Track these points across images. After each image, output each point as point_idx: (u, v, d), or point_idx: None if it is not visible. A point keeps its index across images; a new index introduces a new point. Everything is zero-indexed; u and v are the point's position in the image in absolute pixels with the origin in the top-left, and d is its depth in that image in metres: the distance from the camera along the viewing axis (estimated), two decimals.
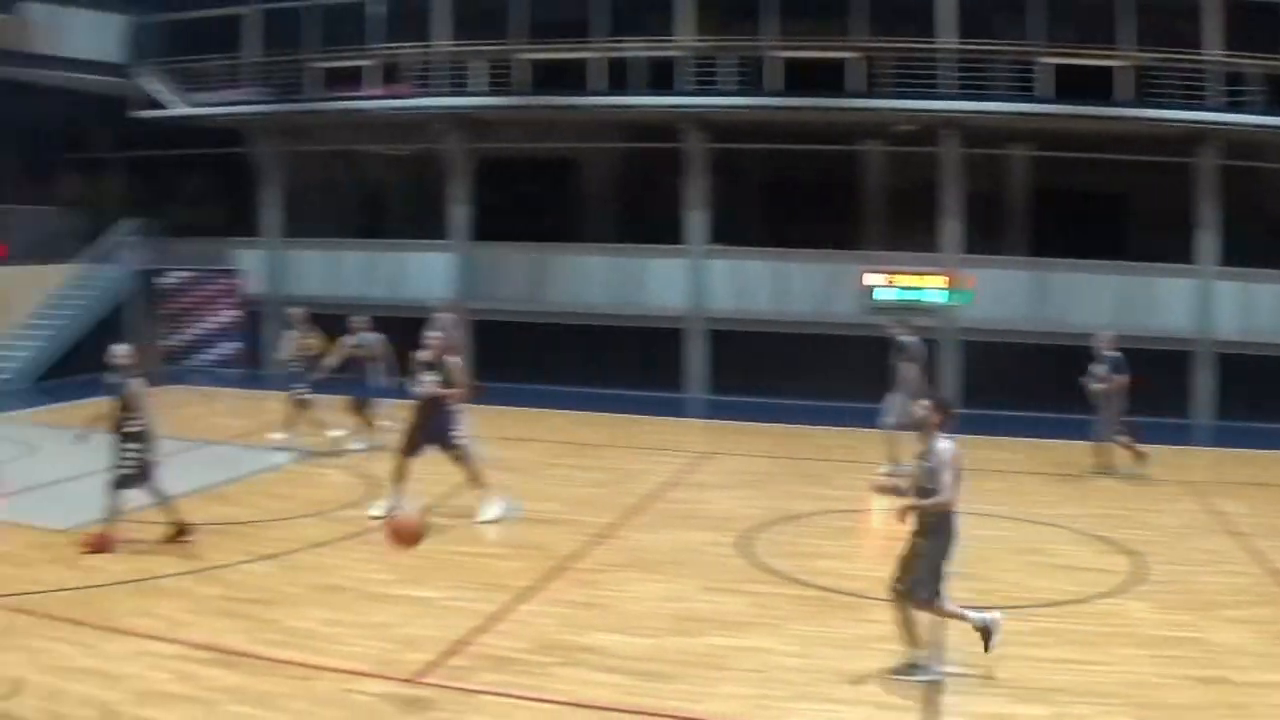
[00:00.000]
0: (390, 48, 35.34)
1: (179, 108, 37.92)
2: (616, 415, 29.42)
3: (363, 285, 36.86)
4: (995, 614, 12.31)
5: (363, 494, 20.22)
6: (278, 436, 25.70)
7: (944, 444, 12.02)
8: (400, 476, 19.03)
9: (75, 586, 15.26)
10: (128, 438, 17.05)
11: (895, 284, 32.23)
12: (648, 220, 36.40)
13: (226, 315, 39.17)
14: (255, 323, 38.86)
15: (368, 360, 24.56)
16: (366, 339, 24.78)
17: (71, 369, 36.23)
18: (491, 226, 36.41)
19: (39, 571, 15.97)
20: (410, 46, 35.14)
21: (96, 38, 38.33)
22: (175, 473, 22.21)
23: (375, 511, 18.79)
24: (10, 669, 12.17)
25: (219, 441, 25.73)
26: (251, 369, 38.14)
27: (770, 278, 33.59)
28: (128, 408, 17.05)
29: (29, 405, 30.97)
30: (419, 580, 15.41)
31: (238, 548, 17.33)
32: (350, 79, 35.84)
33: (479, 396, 26.98)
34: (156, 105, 38.13)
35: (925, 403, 12.52)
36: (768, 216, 36.49)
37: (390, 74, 35.36)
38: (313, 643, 13.07)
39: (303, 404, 25.61)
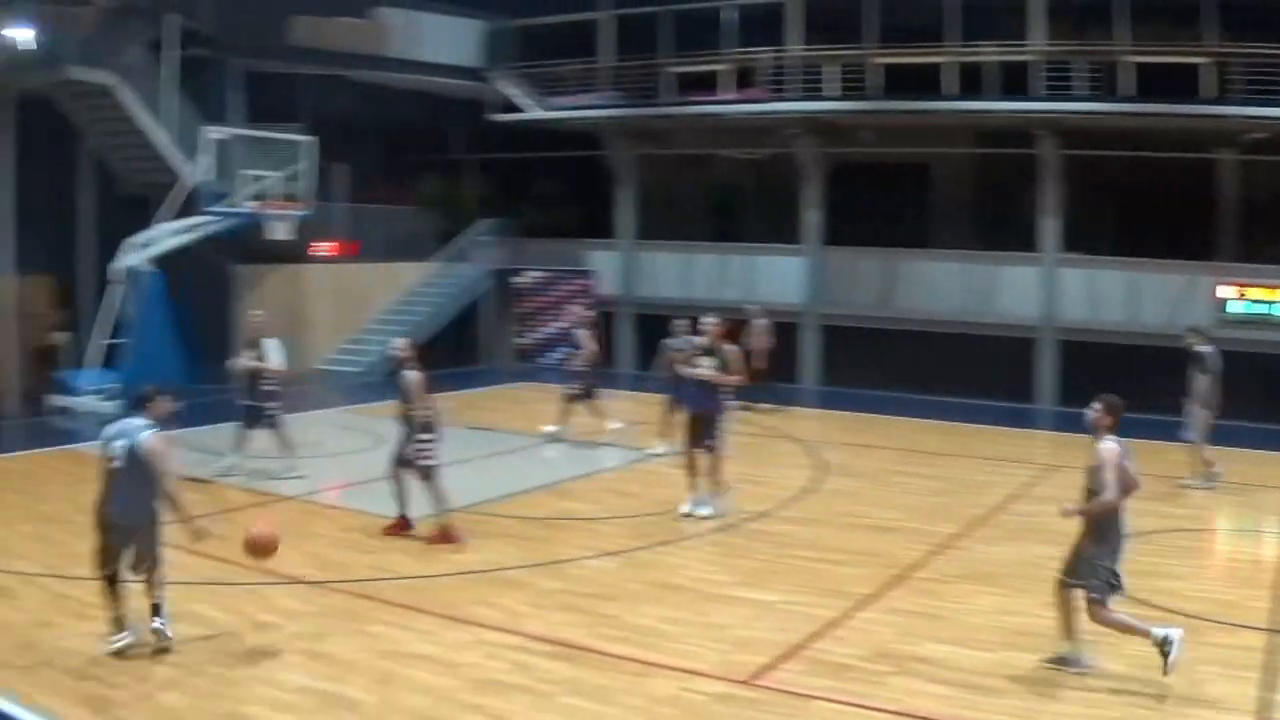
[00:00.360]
0: (744, 52, 35.37)
1: (535, 111, 38.51)
2: (964, 424, 28.91)
3: (714, 288, 37.01)
4: (1176, 630, 11.96)
5: (709, 494, 20.20)
6: (614, 426, 26.32)
7: (1108, 444, 12.13)
8: (694, 472, 19.21)
9: (418, 575, 15.68)
10: (418, 429, 17.47)
11: (1247, 297, 31.15)
12: (999, 227, 35.82)
13: (579, 315, 39.60)
14: (607, 323, 39.30)
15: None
16: (691, 341, 24.68)
17: (427, 364, 37.07)
18: (842, 231, 36.19)
19: (383, 559, 16.47)
20: (763, 51, 35.10)
21: (453, 42, 39.22)
22: (525, 467, 22.68)
23: (703, 511, 18.93)
24: (348, 653, 12.54)
25: (568, 438, 26.02)
26: (603, 368, 38.58)
27: (1122, 288, 32.68)
28: (409, 399, 17.51)
29: (381, 398, 31.65)
30: (760, 583, 15.35)
31: (582, 543, 17.57)
32: (704, 83, 35.96)
33: (749, 387, 27.25)
34: (512, 109, 38.80)
35: (1096, 405, 12.44)
36: (1120, 224, 35.61)
37: (744, 78, 35.39)
38: (650, 640, 13.10)
39: (572, 400, 26.14)
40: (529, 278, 41.09)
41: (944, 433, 28.12)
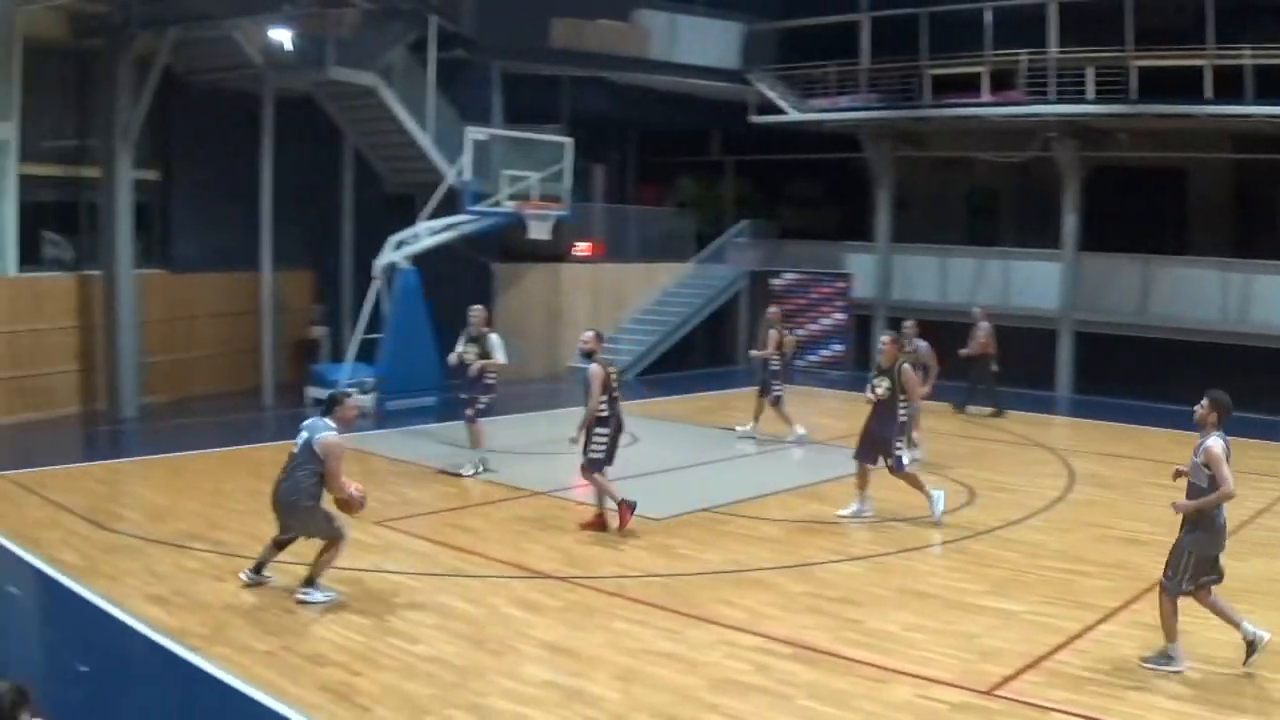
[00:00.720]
0: (1002, 54, 34.94)
1: (794, 113, 38.46)
2: None
3: (969, 292, 36.69)
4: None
5: (963, 500, 20.19)
6: (742, 428, 26.56)
7: (1214, 440, 12.22)
8: (862, 483, 19.21)
9: (664, 574, 15.77)
10: (596, 422, 17.80)
11: None
12: (1257, 234, 34.97)
13: (835, 317, 39.55)
14: (863, 326, 39.15)
15: (916, 368, 23.99)
16: (917, 345, 24.35)
17: (682, 363, 37.37)
18: (1099, 236, 35.67)
19: (630, 557, 16.63)
20: (1022, 53, 34.63)
21: (711, 44, 39.38)
22: (776, 469, 22.59)
23: (937, 512, 18.85)
24: (591, 648, 12.72)
25: (819, 441, 25.99)
26: (857, 371, 38.53)
27: None
28: (587, 391, 17.86)
29: (636, 397, 31.95)
30: (1006, 593, 15.16)
31: (829, 546, 17.54)
32: (961, 85, 35.63)
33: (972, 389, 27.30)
34: (768, 110, 38.79)
35: (1203, 401, 12.56)
36: None
37: (1001, 80, 34.97)
38: (892, 646, 13.02)
39: (777, 401, 26.01)
40: (785, 279, 41.04)
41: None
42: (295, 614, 13.53)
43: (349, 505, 14.11)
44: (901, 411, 18.97)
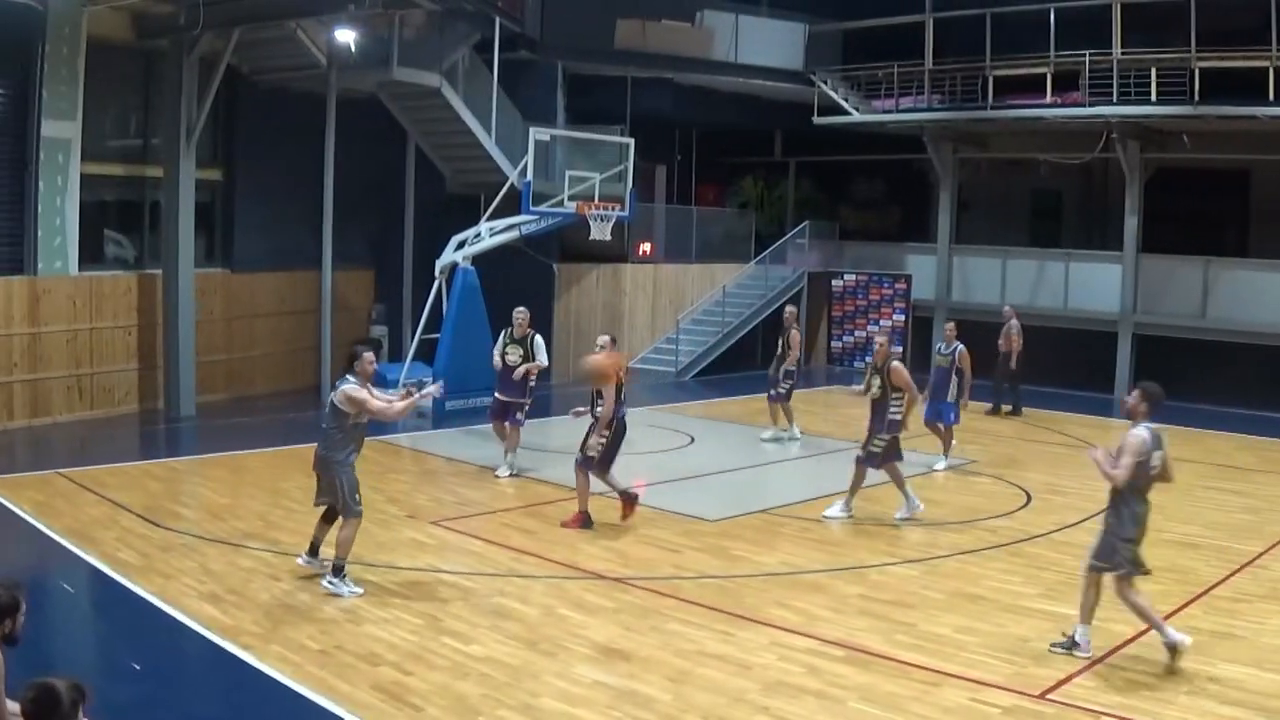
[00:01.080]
0: (1065, 55, 34.72)
1: (856, 114, 38.37)
2: None
3: (1030, 294, 36.68)
4: (1186, 638, 12.58)
5: (1019, 503, 20.30)
6: (786, 433, 26.48)
7: (1137, 430, 12.58)
8: (898, 482, 19.29)
9: (718, 575, 15.81)
10: (602, 422, 18.00)
11: None
12: None
13: (894, 319, 39.48)
14: (922, 327, 39.04)
15: (953, 371, 23.85)
16: (956, 348, 24.15)
17: (741, 364, 37.36)
18: (1160, 238, 35.50)
19: (685, 558, 16.65)
20: (1085, 54, 34.37)
21: (775, 45, 39.27)
22: (831, 471, 22.58)
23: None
24: (644, 649, 12.74)
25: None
26: (915, 373, 38.38)
27: None
28: (605, 395, 17.97)
29: (694, 397, 31.98)
30: (1061, 596, 15.01)
31: (883, 549, 17.55)
32: (1024, 86, 35.45)
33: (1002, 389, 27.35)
34: (832, 111, 38.71)
35: (1135, 391, 12.81)
36: None
37: (1064, 81, 34.76)
38: (944, 649, 13.01)
39: (778, 398, 26.14)
40: (845, 280, 41.04)
41: (1259, 449, 27.29)
42: (349, 613, 13.61)
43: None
44: (893, 410, 19.08)
